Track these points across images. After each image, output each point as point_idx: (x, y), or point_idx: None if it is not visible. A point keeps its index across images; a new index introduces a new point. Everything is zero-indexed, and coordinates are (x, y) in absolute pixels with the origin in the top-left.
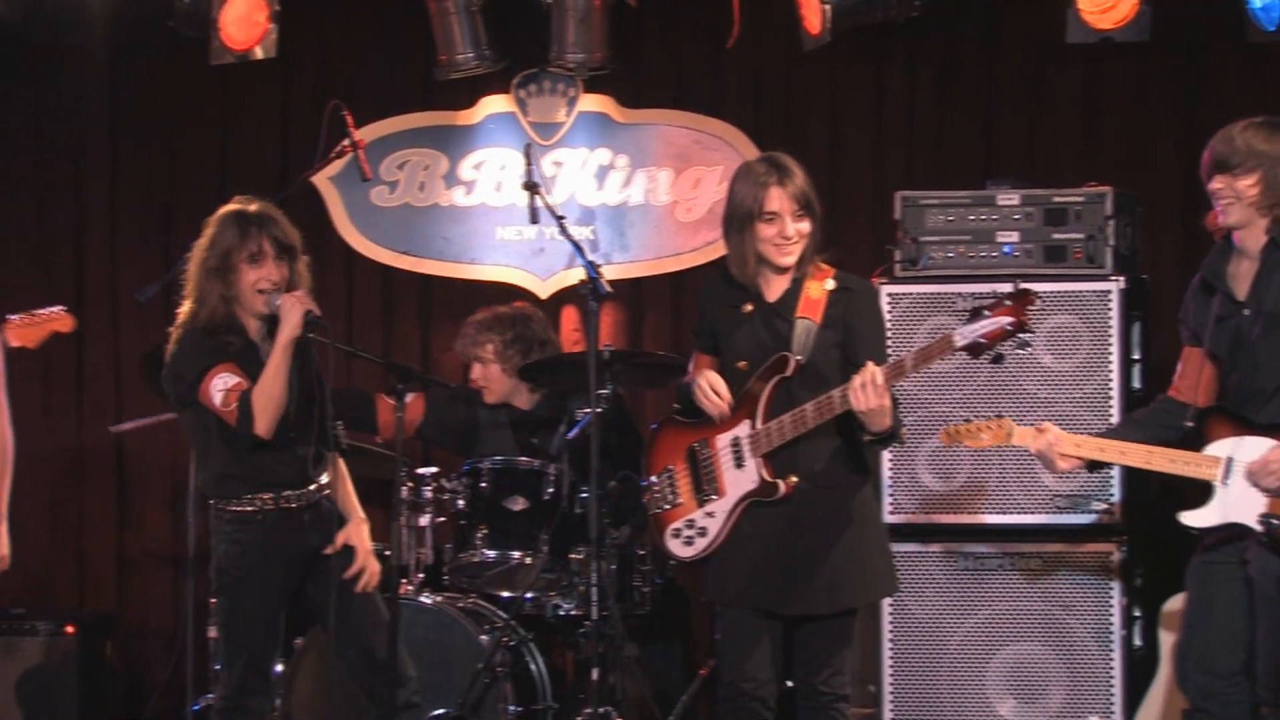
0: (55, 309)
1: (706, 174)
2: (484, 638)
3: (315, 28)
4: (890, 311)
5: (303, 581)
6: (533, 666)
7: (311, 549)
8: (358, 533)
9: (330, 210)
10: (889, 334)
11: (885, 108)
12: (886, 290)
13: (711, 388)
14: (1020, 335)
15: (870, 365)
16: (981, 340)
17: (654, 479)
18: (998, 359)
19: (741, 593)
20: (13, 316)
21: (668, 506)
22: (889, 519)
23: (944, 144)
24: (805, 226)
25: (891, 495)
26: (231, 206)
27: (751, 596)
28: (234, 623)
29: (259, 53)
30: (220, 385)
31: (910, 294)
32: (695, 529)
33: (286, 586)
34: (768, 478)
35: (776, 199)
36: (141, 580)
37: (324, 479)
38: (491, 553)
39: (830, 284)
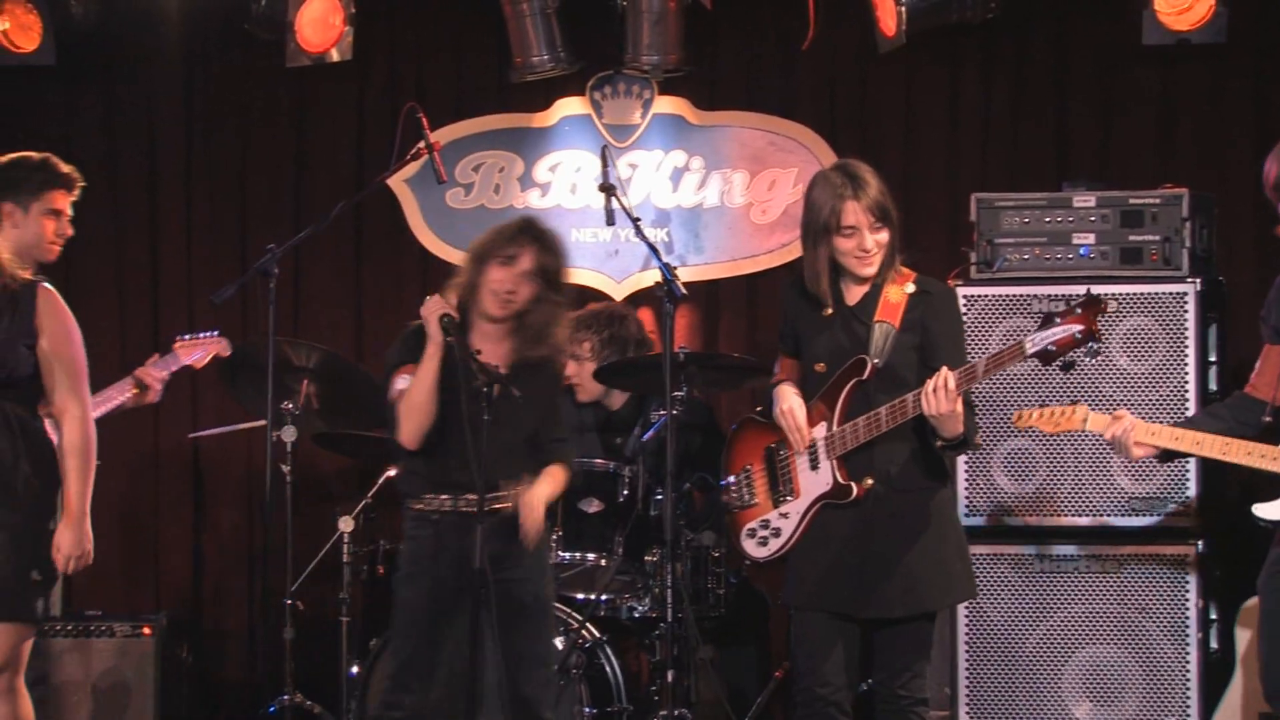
0: (215, 334)
1: (781, 176)
2: (559, 640)
3: (390, 30)
4: (966, 313)
5: (471, 590)
6: (607, 668)
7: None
8: (526, 490)
9: (405, 213)
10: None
11: (960, 109)
12: (962, 292)
13: (792, 415)
14: (1090, 344)
15: (943, 370)
16: (1051, 348)
17: (732, 479)
18: (1068, 366)
19: (816, 596)
20: (182, 337)
21: (744, 506)
22: (964, 521)
23: (1019, 146)
24: (883, 237)
25: (967, 497)
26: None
27: (826, 599)
28: (399, 617)
29: (335, 55)
30: (400, 385)
31: (986, 296)
32: (770, 529)
33: (455, 590)
34: (842, 480)
35: (853, 213)
36: (217, 582)
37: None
38: (566, 554)
39: (910, 288)
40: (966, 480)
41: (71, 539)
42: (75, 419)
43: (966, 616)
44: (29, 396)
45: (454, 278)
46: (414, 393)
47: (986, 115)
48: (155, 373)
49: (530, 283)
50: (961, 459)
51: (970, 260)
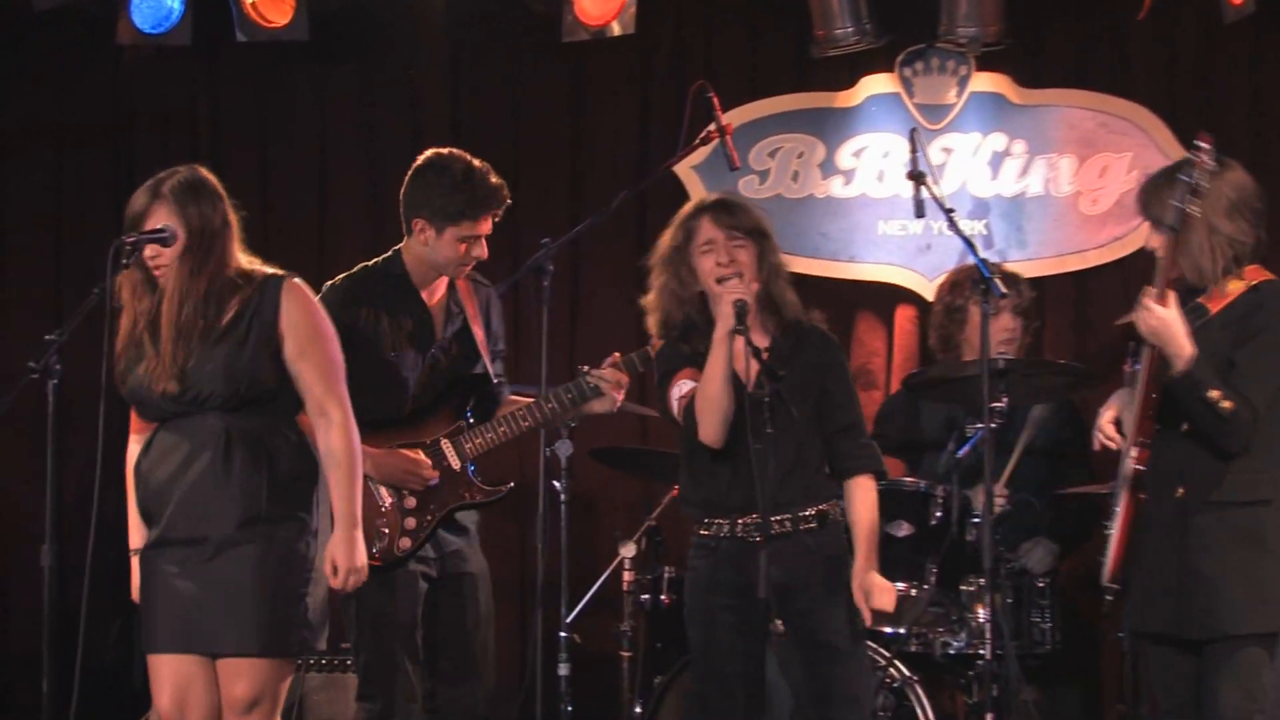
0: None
1: (1114, 161)
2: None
3: (677, 1)
4: None
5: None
6: (919, 710)
7: (771, 586)
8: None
9: None
10: None
11: None
12: None
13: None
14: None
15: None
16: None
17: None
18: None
19: (1137, 619)
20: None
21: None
22: None
23: None
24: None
25: None
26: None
27: (1143, 621)
28: (693, 651)
29: (616, 28)
30: (677, 393)
31: None
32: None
33: (742, 624)
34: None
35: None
36: None
37: (806, 510)
38: None
39: None
40: None
41: (344, 552)
42: (335, 424)
43: None
44: (280, 409)
45: (652, 304)
46: (708, 386)
47: None
48: (611, 375)
49: (738, 245)
50: None
51: None
